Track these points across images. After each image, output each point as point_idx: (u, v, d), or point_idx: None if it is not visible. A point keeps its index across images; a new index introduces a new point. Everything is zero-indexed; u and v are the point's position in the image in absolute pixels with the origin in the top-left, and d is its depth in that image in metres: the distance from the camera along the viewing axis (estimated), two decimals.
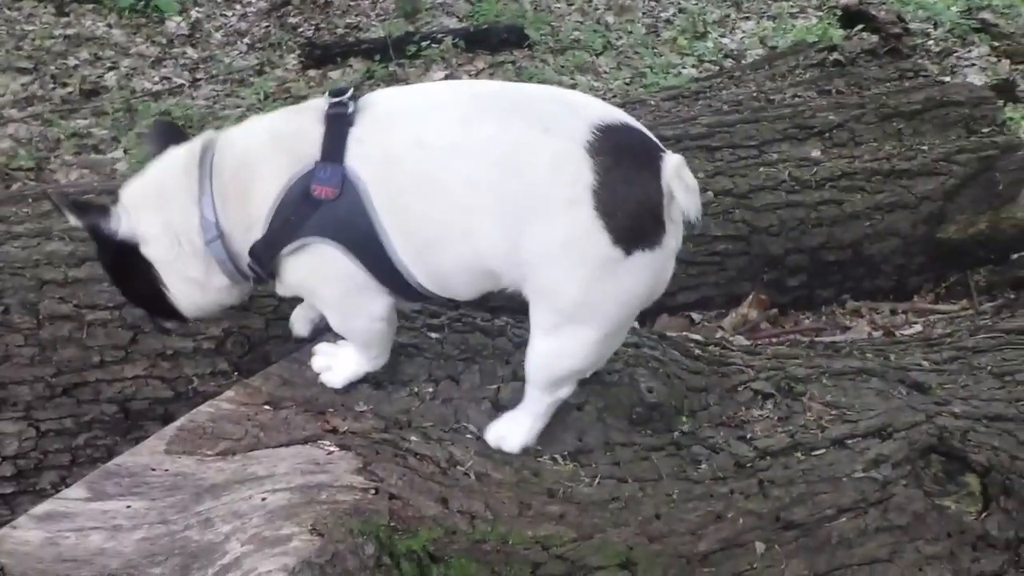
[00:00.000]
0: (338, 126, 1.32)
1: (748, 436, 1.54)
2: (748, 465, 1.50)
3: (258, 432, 1.37)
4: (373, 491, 1.32)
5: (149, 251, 1.39)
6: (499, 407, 1.46)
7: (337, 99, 1.35)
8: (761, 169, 2.20)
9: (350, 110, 1.33)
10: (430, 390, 1.46)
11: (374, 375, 1.45)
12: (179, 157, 1.40)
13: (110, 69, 4.66)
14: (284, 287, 1.40)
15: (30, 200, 1.95)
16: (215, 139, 1.40)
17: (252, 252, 1.36)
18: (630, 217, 1.27)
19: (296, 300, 1.53)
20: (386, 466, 1.35)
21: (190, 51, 4.86)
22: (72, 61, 4.71)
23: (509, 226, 1.28)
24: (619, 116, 1.32)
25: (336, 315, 1.41)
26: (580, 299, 1.30)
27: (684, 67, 4.59)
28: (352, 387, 1.43)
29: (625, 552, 1.38)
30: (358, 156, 1.31)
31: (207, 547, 1.29)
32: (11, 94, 4.44)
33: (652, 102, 2.51)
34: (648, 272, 1.31)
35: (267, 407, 1.40)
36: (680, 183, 1.28)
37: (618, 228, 1.26)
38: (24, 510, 1.77)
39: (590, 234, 1.26)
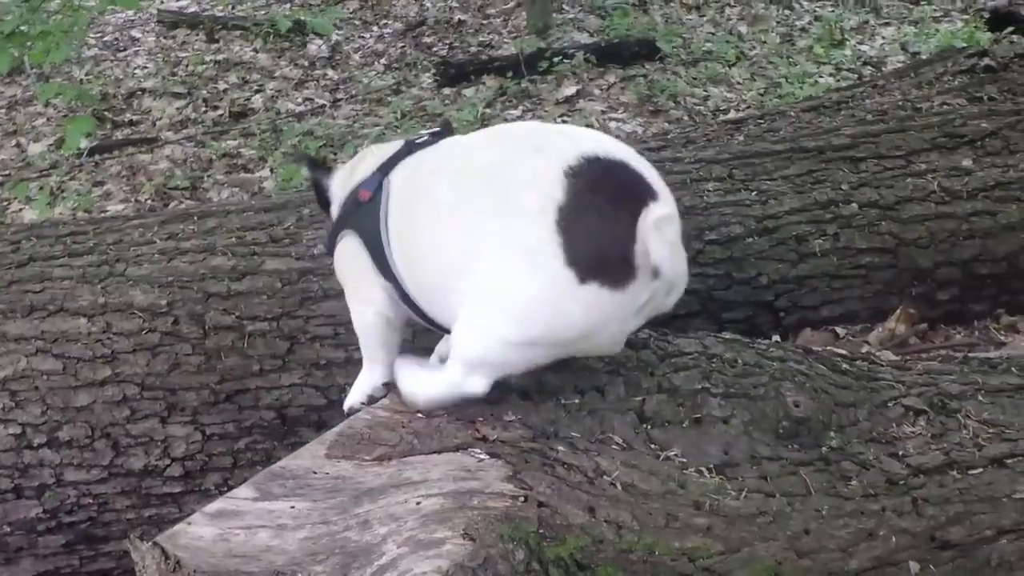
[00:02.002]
0: (406, 150, 1.54)
1: (900, 453, 1.51)
2: (901, 483, 1.46)
3: (412, 439, 1.43)
4: (522, 499, 1.36)
5: (332, 209, 1.63)
6: (644, 418, 1.48)
7: (428, 132, 1.57)
8: (908, 180, 2.14)
9: (423, 140, 1.54)
10: (576, 401, 1.49)
11: (522, 386, 1.49)
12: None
13: (257, 92, 4.91)
14: (336, 264, 1.61)
15: (195, 217, 2.09)
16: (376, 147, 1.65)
17: (329, 231, 1.60)
18: (590, 245, 1.29)
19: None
20: (535, 474, 1.38)
21: (331, 73, 5.07)
22: (222, 85, 4.98)
23: (474, 235, 1.35)
24: (624, 154, 1.34)
25: (350, 300, 1.60)
26: (515, 304, 1.32)
27: (821, 76, 4.50)
28: (501, 397, 1.47)
29: (773, 567, 1.37)
30: (399, 173, 1.51)
31: (365, 548, 1.35)
32: (167, 117, 4.74)
33: (791, 113, 2.48)
34: (597, 311, 1.31)
35: (420, 415, 1.46)
36: (656, 235, 1.27)
37: (574, 251, 1.28)
38: (190, 509, 1.89)
39: (545, 247, 1.29)
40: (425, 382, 1.47)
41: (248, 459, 1.91)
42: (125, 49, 5.48)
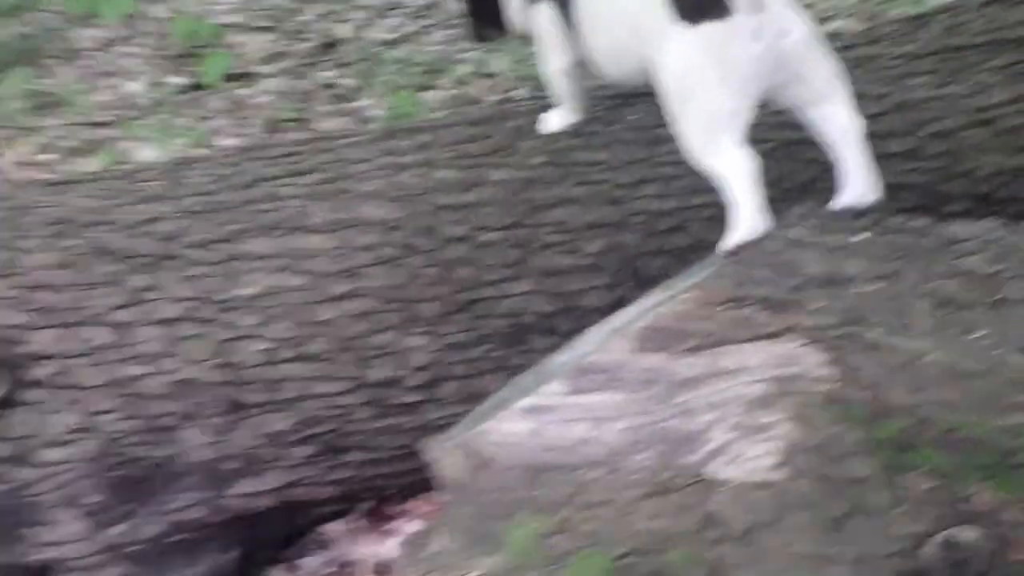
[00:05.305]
0: None
1: None
2: None
3: (722, 329, 1.44)
4: (846, 381, 1.38)
5: None
6: (943, 302, 1.49)
7: None
8: None
9: None
10: (872, 288, 1.50)
11: (818, 275, 1.51)
12: None
13: (342, 22, 4.84)
14: (534, 21, 1.97)
15: (405, 134, 2.09)
16: None
17: None
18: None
19: None
20: (855, 358, 1.40)
21: None
22: (306, 17, 4.92)
23: (633, 23, 1.75)
24: None
25: (544, 56, 2.00)
26: (676, 77, 1.67)
27: None
28: (802, 285, 1.49)
29: None
30: None
31: (690, 435, 1.39)
32: (257, 51, 4.69)
33: (972, 9, 2.42)
34: (719, 40, 1.62)
35: (726, 306, 1.47)
36: None
37: (679, 8, 1.63)
38: (426, 418, 1.94)
39: (663, 18, 1.65)
40: (736, 225, 1.65)
41: (481, 368, 1.93)
42: None
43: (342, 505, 2.01)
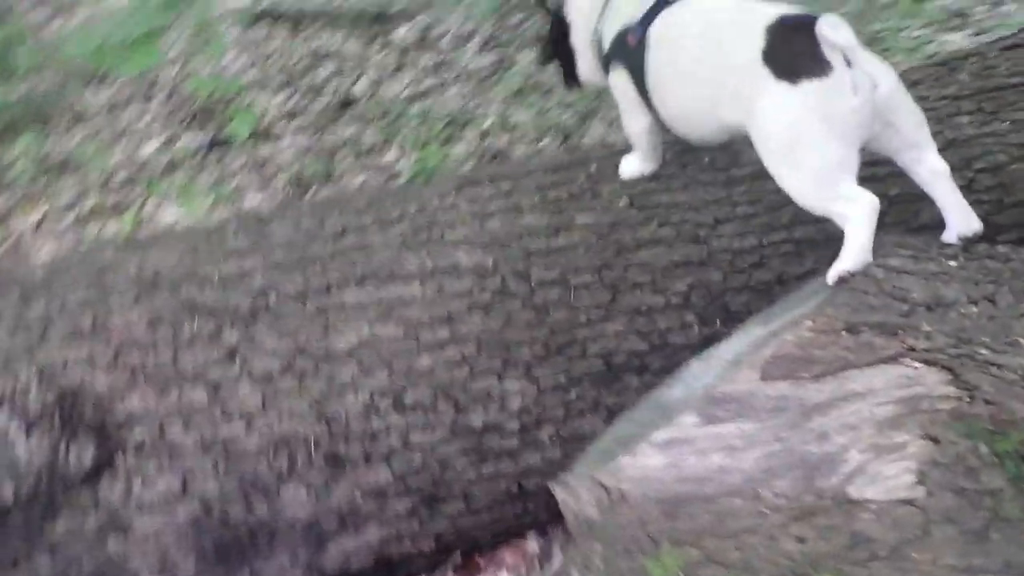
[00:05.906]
0: (661, 4, 1.94)
1: None
2: None
3: (846, 354, 1.51)
4: (968, 399, 1.45)
5: (573, 38, 2.12)
6: None
7: None
8: None
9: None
10: (974, 310, 1.58)
11: (923, 299, 1.59)
12: None
13: (357, 80, 4.93)
14: (611, 85, 2.07)
15: (487, 181, 2.15)
16: None
17: (603, 57, 2.05)
18: (788, 59, 1.70)
19: None
20: (973, 376, 1.47)
21: (424, 56, 5.10)
22: (320, 75, 5.00)
23: (713, 87, 1.81)
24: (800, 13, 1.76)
25: (622, 114, 2.08)
26: (781, 137, 1.73)
27: (912, 28, 4.58)
28: (911, 310, 1.57)
29: None
30: (656, 25, 1.92)
31: (826, 458, 1.45)
32: (274, 109, 4.76)
33: (991, 54, 2.51)
34: (819, 97, 1.68)
35: (845, 333, 1.54)
36: (828, 29, 1.64)
37: (777, 69, 1.70)
38: (525, 463, 1.97)
39: (761, 77, 1.71)
40: (847, 255, 1.70)
41: (578, 409, 1.98)
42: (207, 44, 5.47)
43: (437, 557, 2.02)
